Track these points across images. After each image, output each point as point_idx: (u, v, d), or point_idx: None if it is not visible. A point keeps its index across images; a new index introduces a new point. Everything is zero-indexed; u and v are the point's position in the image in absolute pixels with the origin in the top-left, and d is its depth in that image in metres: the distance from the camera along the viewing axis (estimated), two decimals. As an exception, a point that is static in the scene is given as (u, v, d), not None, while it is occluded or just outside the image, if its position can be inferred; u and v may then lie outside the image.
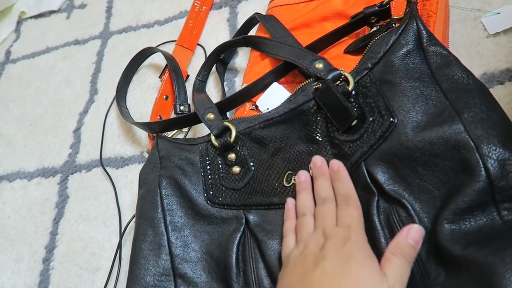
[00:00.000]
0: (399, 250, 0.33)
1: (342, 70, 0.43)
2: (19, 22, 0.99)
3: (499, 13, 0.49)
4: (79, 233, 0.60)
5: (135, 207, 0.49)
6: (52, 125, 0.75)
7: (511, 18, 0.48)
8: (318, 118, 0.42)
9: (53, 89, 0.81)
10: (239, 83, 0.63)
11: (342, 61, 0.49)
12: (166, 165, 0.48)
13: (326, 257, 0.33)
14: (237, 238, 0.42)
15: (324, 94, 0.42)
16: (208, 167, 0.47)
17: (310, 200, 0.40)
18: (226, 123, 0.46)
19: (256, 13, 0.60)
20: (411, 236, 0.33)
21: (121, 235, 0.56)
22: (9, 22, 0.99)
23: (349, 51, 0.49)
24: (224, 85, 0.62)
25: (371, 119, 0.40)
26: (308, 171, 0.42)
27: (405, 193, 0.36)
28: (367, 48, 0.43)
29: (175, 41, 0.71)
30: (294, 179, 0.43)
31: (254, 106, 0.53)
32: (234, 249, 0.42)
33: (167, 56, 0.66)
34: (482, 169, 0.32)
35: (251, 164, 0.45)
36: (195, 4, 0.73)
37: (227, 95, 0.61)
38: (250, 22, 0.61)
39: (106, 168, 0.64)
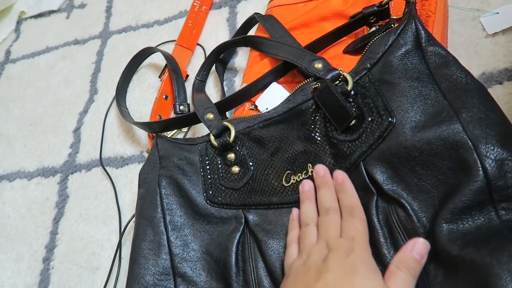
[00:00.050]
0: (404, 264, 0.33)
1: (341, 70, 0.43)
2: (19, 22, 0.99)
3: (497, 13, 0.49)
4: (79, 233, 0.61)
5: (135, 206, 0.49)
6: (52, 124, 0.75)
7: (509, 18, 0.48)
8: (317, 117, 0.42)
9: (53, 89, 0.81)
10: (238, 83, 0.63)
11: (341, 61, 0.49)
12: (166, 165, 0.48)
13: (329, 269, 0.33)
14: (237, 238, 0.42)
15: (323, 93, 0.42)
16: (208, 167, 0.47)
17: (313, 210, 0.40)
18: (226, 123, 0.46)
19: (256, 13, 0.60)
20: (416, 249, 0.33)
21: (121, 235, 0.56)
22: (9, 22, 0.99)
23: (348, 51, 0.49)
24: (224, 85, 0.63)
25: (369, 119, 0.40)
26: (307, 170, 0.42)
27: (404, 193, 0.36)
28: (366, 48, 0.43)
29: (174, 41, 0.71)
30: (294, 179, 0.43)
31: (253, 106, 0.53)
32: (234, 249, 0.42)
33: (167, 56, 0.66)
34: (480, 169, 0.33)
35: (250, 164, 0.45)
36: (195, 4, 0.73)
37: (227, 94, 0.61)
38: (250, 22, 0.61)
39: (106, 167, 0.64)
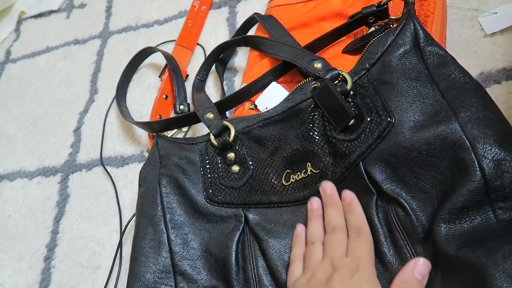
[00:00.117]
0: (406, 284, 0.33)
1: (340, 70, 0.43)
2: (19, 22, 0.99)
3: (496, 13, 0.49)
4: (79, 232, 0.61)
5: (135, 205, 0.49)
6: (52, 124, 0.76)
7: (507, 18, 0.48)
8: (315, 116, 0.43)
9: (53, 89, 0.81)
10: (238, 83, 0.63)
11: (340, 61, 0.49)
12: (166, 164, 0.48)
13: None
14: (237, 236, 0.43)
15: (322, 93, 0.42)
16: (208, 166, 0.47)
17: (320, 228, 0.40)
18: (225, 123, 0.47)
19: (255, 13, 0.60)
20: (418, 270, 0.33)
21: (122, 234, 0.56)
22: (9, 22, 0.99)
23: (347, 51, 0.50)
24: (224, 85, 0.63)
25: (368, 119, 0.40)
26: (306, 169, 0.42)
27: (403, 192, 0.37)
28: (365, 48, 0.44)
29: (174, 40, 0.72)
30: (293, 178, 0.43)
31: (253, 105, 0.53)
32: (234, 247, 0.42)
33: (167, 56, 0.66)
34: (478, 169, 0.33)
35: (250, 163, 0.45)
36: (195, 3, 0.73)
37: (227, 94, 0.61)
38: (249, 22, 0.62)
39: (106, 167, 0.64)
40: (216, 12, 0.73)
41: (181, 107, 0.62)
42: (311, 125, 0.43)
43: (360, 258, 0.35)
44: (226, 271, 0.42)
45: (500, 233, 0.32)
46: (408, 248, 0.36)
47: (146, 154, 0.61)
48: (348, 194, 0.39)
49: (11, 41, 0.96)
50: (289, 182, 0.43)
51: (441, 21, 0.48)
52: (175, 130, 0.60)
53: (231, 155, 0.46)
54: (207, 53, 0.69)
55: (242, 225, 0.43)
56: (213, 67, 0.63)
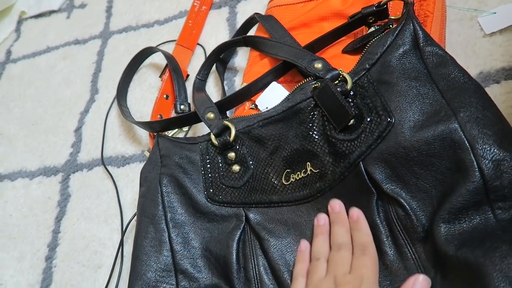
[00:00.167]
0: None
1: (340, 70, 0.43)
2: (19, 22, 1.00)
3: (495, 13, 0.50)
4: (81, 231, 0.61)
5: (136, 205, 0.50)
6: (53, 124, 0.76)
7: (507, 18, 0.49)
8: (315, 116, 0.43)
9: (54, 89, 0.81)
10: (238, 82, 0.63)
11: (340, 61, 0.49)
12: (167, 164, 0.48)
13: None
14: (237, 235, 0.43)
15: (322, 93, 0.42)
16: (209, 165, 0.47)
17: (326, 245, 0.40)
18: (226, 122, 0.47)
19: (256, 13, 0.61)
20: (417, 287, 0.33)
21: (123, 233, 0.56)
22: (9, 22, 0.99)
23: (347, 51, 0.50)
24: (224, 84, 0.63)
25: (368, 119, 0.40)
26: (306, 169, 0.43)
27: (402, 192, 0.37)
28: (365, 48, 0.44)
29: (175, 40, 0.72)
30: (293, 177, 0.43)
31: (253, 105, 0.53)
32: (234, 246, 0.42)
33: (167, 56, 0.66)
34: (477, 169, 0.33)
35: (250, 162, 0.46)
36: (195, 3, 0.73)
37: (227, 94, 0.61)
38: (250, 22, 0.62)
39: (107, 167, 0.65)
40: (216, 12, 0.73)
41: (182, 106, 0.62)
42: (310, 125, 0.43)
43: (363, 275, 0.35)
44: (227, 270, 0.42)
45: (499, 233, 0.32)
46: (409, 248, 0.36)
47: (147, 154, 0.61)
48: (356, 212, 0.39)
49: (11, 41, 0.96)
50: (289, 182, 0.44)
51: (440, 21, 0.48)
52: (176, 129, 0.60)
53: (232, 154, 0.46)
54: (208, 53, 0.69)
55: (243, 225, 0.44)
56: (214, 67, 0.63)
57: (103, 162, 0.65)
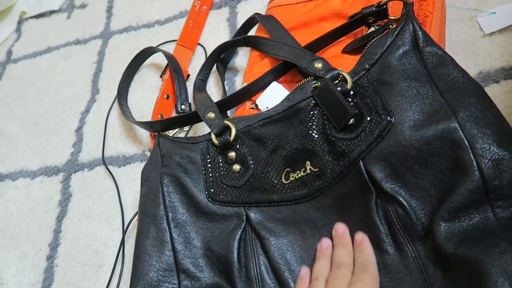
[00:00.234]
0: None
1: (340, 69, 0.43)
2: (20, 22, 1.00)
3: (494, 13, 0.50)
4: (82, 231, 0.61)
5: (137, 204, 0.50)
6: (54, 124, 0.76)
7: (506, 18, 0.49)
8: (315, 115, 0.43)
9: (55, 89, 0.81)
10: (239, 82, 0.63)
11: (340, 61, 0.49)
12: (168, 163, 0.49)
13: None
14: (238, 235, 0.43)
15: (322, 92, 0.42)
16: (209, 165, 0.48)
17: (326, 266, 0.39)
18: (226, 122, 0.47)
19: (256, 13, 0.61)
20: None
21: (124, 232, 0.57)
22: (10, 22, 0.99)
23: (347, 51, 0.50)
24: (225, 84, 0.63)
25: (368, 118, 0.40)
26: (306, 168, 0.43)
27: (402, 191, 0.37)
28: (365, 49, 0.44)
29: (175, 40, 0.72)
30: (293, 176, 0.44)
31: (254, 105, 0.53)
32: (235, 245, 0.43)
33: (168, 56, 0.67)
34: (476, 169, 0.33)
35: (251, 162, 0.46)
36: (195, 4, 0.73)
37: (228, 94, 0.61)
38: (250, 22, 0.62)
39: (108, 166, 0.65)
40: (216, 12, 0.74)
41: (183, 106, 0.63)
42: (310, 124, 0.43)
43: None
44: (228, 269, 0.42)
45: (498, 231, 0.32)
46: (409, 246, 0.36)
47: (148, 154, 0.62)
48: (360, 235, 0.39)
49: (12, 41, 0.97)
50: (289, 181, 0.44)
51: (440, 21, 0.48)
52: (177, 129, 0.61)
53: (232, 154, 0.47)
54: (208, 53, 0.69)
55: (243, 224, 0.44)
56: (214, 67, 0.63)
57: (104, 161, 0.66)
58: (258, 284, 0.41)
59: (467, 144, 0.34)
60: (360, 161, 0.40)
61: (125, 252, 0.56)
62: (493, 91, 0.46)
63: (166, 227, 0.45)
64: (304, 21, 0.56)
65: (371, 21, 0.48)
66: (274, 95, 0.51)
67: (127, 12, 0.84)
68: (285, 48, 0.50)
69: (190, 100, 0.64)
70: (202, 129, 0.62)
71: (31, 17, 0.99)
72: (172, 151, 0.49)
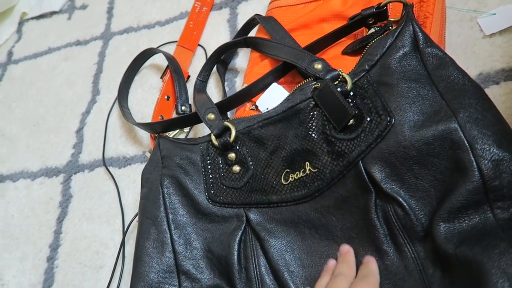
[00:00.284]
0: None
1: (340, 70, 0.43)
2: (20, 23, 1.00)
3: (494, 14, 0.50)
4: (82, 232, 0.61)
5: (137, 205, 0.50)
6: (55, 125, 0.76)
7: (506, 19, 0.49)
8: (315, 116, 0.43)
9: (55, 90, 0.82)
10: (239, 83, 0.63)
11: (340, 62, 0.49)
12: (168, 165, 0.49)
13: None
14: (238, 236, 0.43)
15: (322, 93, 0.42)
16: (209, 166, 0.48)
17: (327, 281, 0.39)
18: (226, 123, 0.47)
19: (256, 14, 0.61)
20: None
21: (124, 233, 0.57)
22: (11, 23, 0.99)
23: (347, 52, 0.50)
24: (225, 85, 0.63)
25: (368, 119, 0.40)
26: (305, 168, 0.43)
27: (402, 191, 0.37)
28: (365, 50, 0.44)
29: (176, 41, 0.72)
30: (292, 177, 0.44)
31: (254, 106, 0.53)
32: (236, 247, 0.43)
33: (168, 57, 0.67)
34: (476, 169, 0.33)
35: (250, 163, 0.46)
36: (196, 5, 0.74)
37: (228, 95, 0.61)
38: (250, 23, 0.62)
39: (108, 167, 0.65)
40: (217, 13, 0.74)
41: (183, 108, 0.63)
42: (310, 125, 0.43)
43: None
44: (228, 270, 0.42)
45: (498, 231, 0.32)
46: (409, 247, 0.36)
47: (148, 155, 0.62)
48: (368, 256, 0.38)
49: (13, 42, 0.97)
50: (288, 181, 0.44)
51: (440, 22, 0.48)
52: (177, 130, 0.61)
53: (232, 155, 0.47)
54: (208, 54, 0.69)
55: (243, 225, 0.44)
56: (215, 68, 0.63)
57: (104, 163, 0.66)
58: (258, 286, 0.41)
59: (467, 144, 0.34)
60: (360, 162, 0.40)
61: (126, 253, 0.56)
62: (493, 92, 0.46)
63: (167, 228, 0.45)
64: (304, 22, 0.56)
65: (371, 22, 0.48)
66: (274, 96, 0.51)
67: (127, 13, 0.84)
68: (285, 49, 0.50)
69: (191, 101, 0.64)
70: (202, 130, 0.62)
71: (32, 18, 0.99)
72: (172, 152, 0.49)
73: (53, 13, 0.96)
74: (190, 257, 0.44)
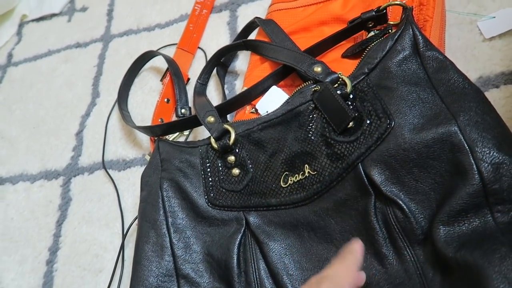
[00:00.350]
0: None
1: (340, 73, 0.43)
2: (20, 25, 1.00)
3: (494, 17, 0.50)
4: (82, 235, 0.61)
5: (137, 208, 0.50)
6: (55, 127, 0.76)
7: (506, 22, 0.49)
8: (314, 119, 0.43)
9: (55, 92, 0.81)
10: (239, 86, 0.63)
11: (340, 65, 0.49)
12: (167, 168, 0.49)
13: None
14: (238, 239, 0.43)
15: (322, 95, 0.42)
16: (209, 169, 0.48)
17: None
18: (226, 126, 0.47)
19: (256, 17, 0.61)
20: None
21: (124, 237, 0.57)
22: (11, 25, 0.99)
23: (346, 55, 0.50)
24: (225, 88, 0.63)
25: (368, 121, 0.40)
26: (304, 171, 0.43)
27: (401, 194, 0.37)
28: (364, 53, 0.44)
29: (176, 44, 0.72)
30: (291, 180, 0.44)
31: (254, 109, 0.53)
32: (235, 250, 0.42)
33: (168, 60, 0.67)
34: (476, 172, 0.33)
35: (250, 166, 0.46)
36: (196, 7, 0.74)
37: (228, 98, 0.61)
38: (250, 26, 0.62)
39: (108, 170, 0.65)
40: (217, 16, 0.74)
41: (183, 110, 0.63)
42: (309, 127, 0.43)
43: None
44: (228, 274, 0.42)
45: (498, 235, 0.32)
46: (408, 250, 0.36)
47: (148, 158, 0.62)
48: (354, 238, 0.37)
49: (13, 44, 0.97)
50: (287, 184, 0.44)
51: (440, 26, 0.48)
52: (177, 133, 0.61)
53: (232, 158, 0.47)
54: (208, 56, 0.69)
55: (243, 228, 0.44)
56: (214, 71, 0.63)
57: (104, 165, 0.66)
58: (257, 289, 0.41)
59: (467, 147, 0.34)
60: (359, 164, 0.40)
61: (125, 256, 0.56)
62: (493, 96, 0.46)
63: (166, 232, 0.45)
64: (304, 25, 0.56)
65: (370, 25, 0.48)
66: (274, 99, 0.51)
67: (127, 15, 0.84)
68: (284, 52, 0.51)
69: (190, 104, 0.64)
70: (202, 133, 0.62)
71: (32, 20, 0.99)
72: (171, 155, 0.49)
73: (53, 15, 0.96)
74: (190, 260, 0.44)
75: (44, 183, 0.70)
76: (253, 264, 0.42)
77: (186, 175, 0.48)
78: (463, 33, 0.51)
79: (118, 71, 0.76)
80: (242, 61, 0.66)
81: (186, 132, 0.62)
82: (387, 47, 0.42)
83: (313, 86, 0.45)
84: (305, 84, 0.47)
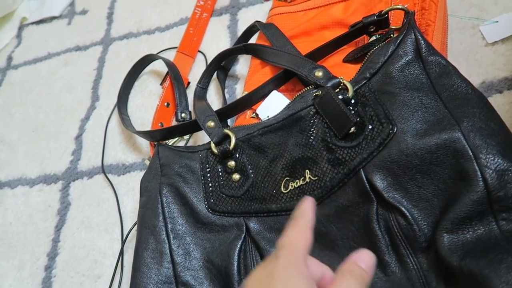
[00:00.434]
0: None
1: (341, 78, 0.43)
2: (20, 28, 1.00)
3: (497, 21, 0.49)
4: (81, 240, 0.61)
5: (136, 213, 0.49)
6: (54, 131, 0.76)
7: (509, 27, 0.48)
8: (315, 124, 0.43)
9: (55, 95, 0.81)
10: (239, 90, 0.63)
11: (341, 70, 0.49)
12: (167, 173, 0.48)
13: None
14: (238, 246, 0.43)
15: (323, 100, 0.42)
16: (209, 174, 0.47)
17: None
18: (226, 131, 0.47)
19: (257, 21, 0.60)
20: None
21: (123, 242, 0.56)
22: (11, 28, 0.99)
23: (348, 60, 0.50)
24: (225, 92, 0.63)
25: (370, 127, 0.40)
26: (305, 177, 0.42)
27: (404, 201, 0.37)
28: (366, 58, 0.44)
29: (176, 48, 0.72)
30: (292, 185, 0.43)
31: (254, 114, 0.53)
32: (236, 257, 0.42)
33: (168, 63, 0.66)
34: (480, 179, 0.33)
35: (250, 171, 0.45)
36: (196, 11, 0.73)
37: (228, 102, 0.61)
38: (251, 30, 0.62)
39: (107, 175, 0.64)
40: (217, 20, 0.73)
41: (183, 115, 0.62)
42: (310, 132, 0.43)
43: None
44: (228, 281, 0.42)
45: (503, 243, 0.32)
46: (411, 258, 0.36)
47: (148, 162, 0.61)
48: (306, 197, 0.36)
49: (12, 47, 0.96)
50: (288, 190, 0.43)
51: (442, 30, 0.48)
52: (177, 138, 0.60)
53: (232, 163, 0.46)
54: (209, 60, 0.69)
55: (243, 234, 0.43)
56: (215, 75, 0.63)
57: (103, 170, 0.65)
58: (258, 298, 0.40)
59: (471, 154, 0.34)
60: (361, 170, 0.39)
61: (124, 262, 0.55)
62: (497, 101, 0.46)
63: (165, 238, 0.45)
64: (305, 29, 0.55)
65: (372, 30, 0.48)
66: (274, 104, 0.51)
67: (127, 19, 0.84)
68: (285, 56, 0.50)
69: (190, 108, 0.64)
70: (202, 138, 0.61)
71: (32, 23, 0.98)
72: (171, 160, 0.49)
73: (53, 18, 0.96)
74: (189, 267, 0.44)
75: (43, 187, 0.69)
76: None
77: (186, 180, 0.47)
78: (466, 38, 0.51)
79: (118, 75, 0.76)
80: (243, 65, 0.65)
81: (186, 137, 0.61)
82: (389, 51, 0.41)
83: (314, 91, 0.44)
84: (306, 89, 0.46)
